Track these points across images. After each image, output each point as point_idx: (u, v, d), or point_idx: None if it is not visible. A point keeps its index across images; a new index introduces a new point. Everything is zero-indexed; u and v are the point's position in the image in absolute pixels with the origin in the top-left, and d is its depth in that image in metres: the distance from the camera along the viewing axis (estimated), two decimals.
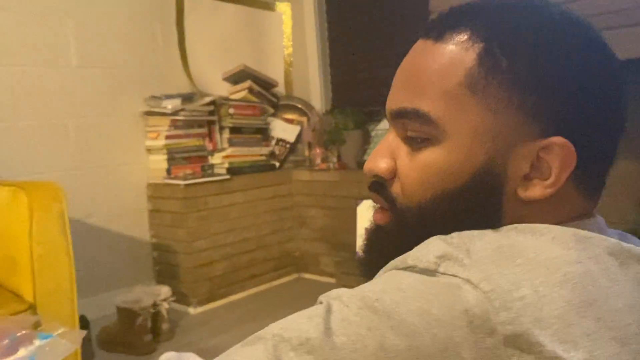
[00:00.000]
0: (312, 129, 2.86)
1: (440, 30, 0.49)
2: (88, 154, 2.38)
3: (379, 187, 0.52)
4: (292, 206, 2.82)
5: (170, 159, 2.48)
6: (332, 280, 2.63)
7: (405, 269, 0.42)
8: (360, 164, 2.64)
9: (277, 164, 2.83)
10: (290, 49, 3.08)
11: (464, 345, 0.37)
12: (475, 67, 0.46)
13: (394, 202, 0.51)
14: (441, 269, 0.40)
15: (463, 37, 0.47)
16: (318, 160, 2.78)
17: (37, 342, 0.80)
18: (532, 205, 0.47)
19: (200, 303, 2.42)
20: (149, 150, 2.54)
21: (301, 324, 0.40)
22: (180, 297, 2.36)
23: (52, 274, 1.35)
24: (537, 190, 0.46)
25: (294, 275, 2.82)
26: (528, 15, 0.48)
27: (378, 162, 0.51)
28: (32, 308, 1.30)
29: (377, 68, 2.82)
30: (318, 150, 2.79)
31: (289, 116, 2.90)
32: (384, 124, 2.68)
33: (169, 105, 2.47)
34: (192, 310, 2.39)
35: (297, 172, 2.82)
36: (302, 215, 2.81)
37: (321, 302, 0.42)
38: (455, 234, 0.44)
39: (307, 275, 2.82)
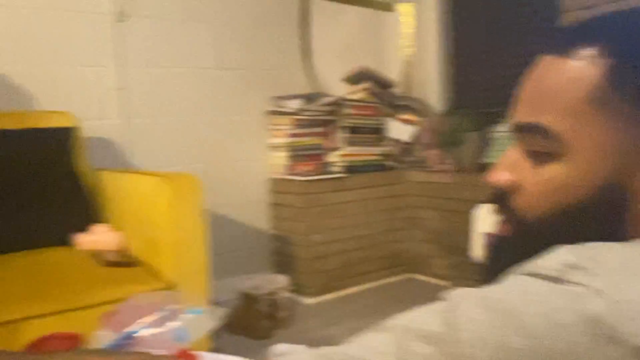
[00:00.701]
0: (429, 130, 2.85)
1: (566, 44, 0.49)
2: (217, 149, 2.58)
3: (502, 199, 0.53)
4: (406, 206, 2.84)
5: (292, 156, 2.60)
6: (444, 282, 2.62)
7: (530, 274, 0.43)
8: (479, 167, 2.59)
9: (392, 164, 2.86)
10: (411, 49, 3.09)
11: (587, 353, 0.37)
12: (602, 82, 0.46)
13: (516, 215, 0.52)
14: (568, 277, 0.40)
15: (590, 52, 0.47)
16: (434, 162, 2.77)
17: (186, 316, 0.90)
18: None
19: (315, 294, 2.52)
20: (272, 147, 2.69)
21: (427, 317, 0.43)
22: (296, 287, 2.48)
23: (190, 256, 1.50)
24: None
25: (405, 275, 2.84)
26: None
27: (501, 174, 0.52)
28: (171, 287, 1.46)
29: (499, 69, 2.74)
30: (434, 152, 2.77)
31: (406, 116, 2.91)
32: (504, 126, 2.60)
33: (293, 105, 2.60)
34: (306, 300, 2.50)
35: (411, 172, 2.83)
36: (415, 216, 2.82)
37: (444, 299, 0.45)
38: (581, 244, 0.44)
39: (419, 276, 2.82)
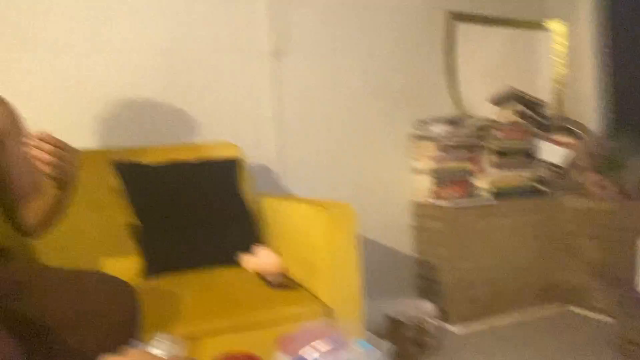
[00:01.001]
0: (586, 153, 2.67)
1: None
2: (364, 172, 2.66)
3: None
4: (560, 234, 2.68)
5: (437, 180, 2.59)
6: (606, 318, 2.42)
7: None
8: None
9: (546, 189, 2.72)
10: (564, 68, 2.94)
11: None
12: None
13: None
14: None
15: None
16: (592, 187, 2.58)
17: (356, 349, 0.95)
18: None
19: (461, 321, 2.47)
20: (417, 171, 2.71)
21: None
22: (442, 313, 2.45)
23: (345, 282, 1.57)
24: None
25: (561, 308, 2.67)
26: None
27: None
28: (329, 311, 1.53)
29: None
30: (593, 176, 2.59)
31: (560, 139, 2.76)
32: None
33: (436, 129, 2.60)
34: (452, 328, 2.46)
35: (567, 198, 2.66)
36: (572, 244, 2.64)
37: None
38: None
39: (576, 309, 2.63)
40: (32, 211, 1.32)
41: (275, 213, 1.98)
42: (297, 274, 1.74)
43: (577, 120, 2.85)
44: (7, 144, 1.32)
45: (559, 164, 2.71)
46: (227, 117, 2.38)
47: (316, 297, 1.61)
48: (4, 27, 2.01)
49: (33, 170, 1.28)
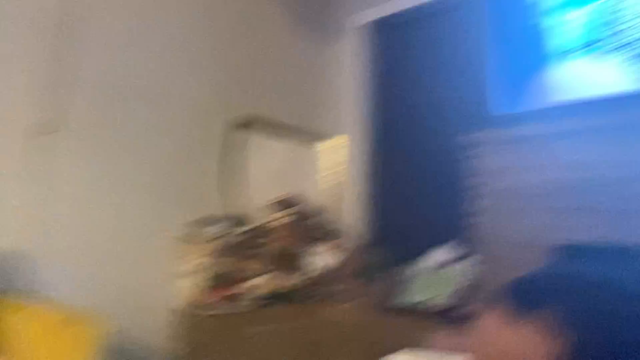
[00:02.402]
0: (350, 263, 2.82)
1: (522, 304, 0.46)
2: (130, 274, 2.45)
3: None
4: (318, 342, 2.72)
5: (205, 284, 2.49)
6: None
7: None
8: (392, 307, 2.55)
9: (313, 295, 2.78)
10: (336, 181, 3.15)
11: None
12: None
13: None
14: None
15: (547, 321, 0.44)
16: (348, 296, 2.71)
17: None
18: None
19: None
20: (183, 274, 2.58)
21: None
22: None
23: None
24: None
25: None
26: (618, 309, 0.44)
27: None
28: None
29: (422, 210, 2.81)
30: (351, 285, 2.73)
31: (328, 247, 2.89)
32: (424, 265, 2.61)
33: (210, 230, 2.54)
34: None
35: (327, 306, 2.74)
36: (325, 354, 2.69)
37: None
38: None
39: None
40: None
41: (17, 319, 1.68)
42: None
43: (346, 230, 3.03)
44: None
45: (326, 272, 2.82)
46: None
47: None
48: None
49: None
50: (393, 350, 2.20)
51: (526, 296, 0.47)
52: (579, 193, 1.52)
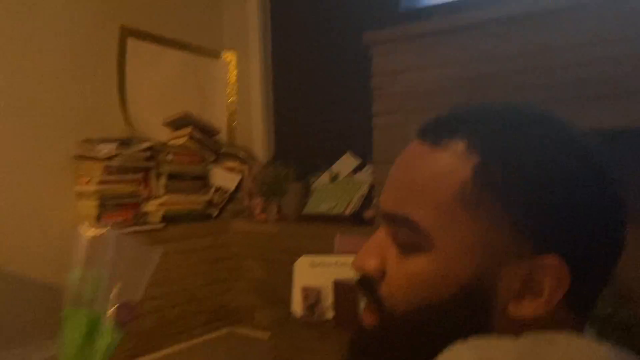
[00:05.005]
0: (253, 179, 2.82)
1: (437, 135, 0.48)
2: (10, 198, 2.25)
3: (368, 285, 0.51)
4: (229, 257, 2.75)
5: (102, 206, 2.37)
6: (266, 334, 2.55)
7: None
8: (300, 217, 2.62)
9: (215, 213, 2.77)
10: (234, 98, 3.08)
11: None
12: (469, 181, 0.46)
13: (382, 303, 0.50)
14: None
15: (460, 146, 0.47)
16: (257, 211, 2.74)
17: None
18: (523, 322, 0.45)
19: (128, 358, 2.28)
20: (79, 196, 2.43)
21: None
22: None
23: None
24: (528, 309, 0.45)
25: (227, 329, 2.72)
26: (528, 132, 0.47)
27: (368, 260, 0.50)
28: None
29: (320, 122, 2.84)
30: (258, 201, 2.75)
31: (230, 165, 2.86)
32: (325, 178, 2.69)
33: (104, 149, 2.39)
34: None
35: (235, 222, 2.76)
36: (239, 267, 2.73)
37: None
38: (475, 342, 0.43)
39: (241, 330, 2.72)
40: None
41: None
42: None
43: (246, 147, 3.00)
44: None
45: (229, 189, 2.80)
46: None
47: None
48: None
49: None
50: (300, 255, 2.27)
51: (441, 127, 0.50)
52: (485, 88, 1.58)
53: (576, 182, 0.45)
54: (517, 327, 0.45)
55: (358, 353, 0.53)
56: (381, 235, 0.51)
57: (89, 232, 0.66)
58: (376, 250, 0.51)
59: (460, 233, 0.46)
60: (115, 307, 0.63)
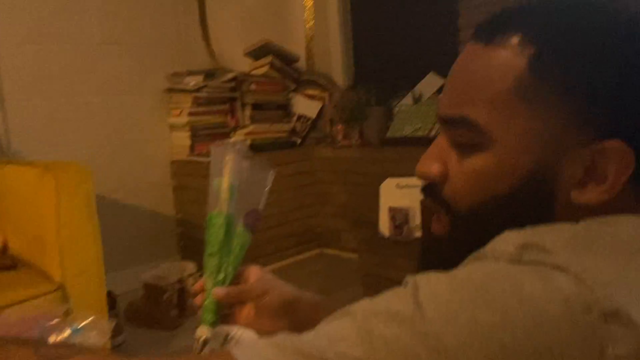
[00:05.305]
0: (334, 105, 2.83)
1: (490, 33, 0.48)
2: (112, 131, 2.42)
3: (432, 190, 0.52)
4: (314, 183, 2.82)
5: (194, 136, 2.49)
6: (354, 255, 2.65)
7: (487, 259, 0.43)
8: (383, 141, 2.61)
9: (299, 141, 2.83)
10: (312, 23, 3.04)
11: (560, 321, 0.37)
12: (525, 72, 0.45)
13: (448, 206, 0.51)
14: (525, 257, 0.40)
15: (514, 41, 0.46)
16: (340, 137, 2.76)
17: (67, 333, 0.82)
18: (587, 209, 0.46)
19: None
20: (172, 127, 2.56)
21: (390, 300, 0.41)
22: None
23: (80, 255, 1.39)
24: (592, 195, 0.45)
25: (316, 251, 2.85)
26: (582, 18, 0.46)
27: (429, 165, 0.51)
28: (61, 288, 1.34)
29: (401, 43, 2.76)
30: (340, 127, 2.76)
31: (311, 92, 2.87)
32: (407, 100, 2.64)
33: (192, 82, 2.48)
34: None
35: (318, 148, 2.81)
36: (324, 192, 2.81)
37: (407, 283, 0.42)
38: (526, 228, 0.44)
39: (329, 251, 2.84)
40: None
41: None
42: (24, 250, 1.49)
43: (326, 74, 2.99)
44: None
45: (311, 116, 2.83)
46: None
47: (46, 275, 1.39)
48: None
49: None
50: (384, 179, 2.29)
51: (493, 25, 0.49)
52: None
53: (633, 62, 0.44)
54: (581, 215, 0.45)
55: (430, 259, 0.55)
56: (441, 142, 0.51)
57: (219, 144, 0.73)
58: (437, 155, 0.51)
59: (519, 126, 0.46)
60: (245, 213, 0.72)
